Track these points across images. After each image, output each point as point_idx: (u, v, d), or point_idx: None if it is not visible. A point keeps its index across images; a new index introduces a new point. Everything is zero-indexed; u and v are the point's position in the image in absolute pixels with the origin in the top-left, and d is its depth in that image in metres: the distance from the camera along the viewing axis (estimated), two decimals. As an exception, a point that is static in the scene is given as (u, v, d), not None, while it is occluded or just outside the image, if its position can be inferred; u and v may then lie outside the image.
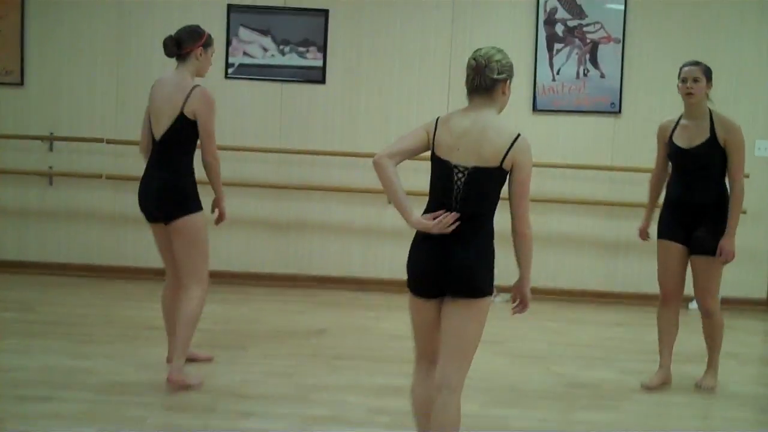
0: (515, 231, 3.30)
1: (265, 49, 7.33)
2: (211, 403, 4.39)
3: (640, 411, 4.68)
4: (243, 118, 7.33)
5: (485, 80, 3.31)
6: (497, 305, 6.89)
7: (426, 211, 3.29)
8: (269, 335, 5.80)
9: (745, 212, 7.07)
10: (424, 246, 3.28)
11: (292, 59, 7.33)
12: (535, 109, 7.28)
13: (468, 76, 3.34)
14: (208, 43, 4.72)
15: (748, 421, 4.63)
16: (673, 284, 5.08)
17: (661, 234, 5.06)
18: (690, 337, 5.60)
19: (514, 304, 3.45)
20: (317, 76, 7.30)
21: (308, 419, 4.22)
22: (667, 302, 5.13)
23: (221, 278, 7.29)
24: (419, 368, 3.47)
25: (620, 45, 7.21)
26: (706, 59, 7.08)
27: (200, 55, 4.67)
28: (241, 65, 7.31)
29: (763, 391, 5.28)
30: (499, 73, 3.33)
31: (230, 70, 7.31)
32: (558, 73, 7.24)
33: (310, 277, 7.37)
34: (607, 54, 7.23)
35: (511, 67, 3.38)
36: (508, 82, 3.38)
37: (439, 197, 3.27)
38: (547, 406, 4.66)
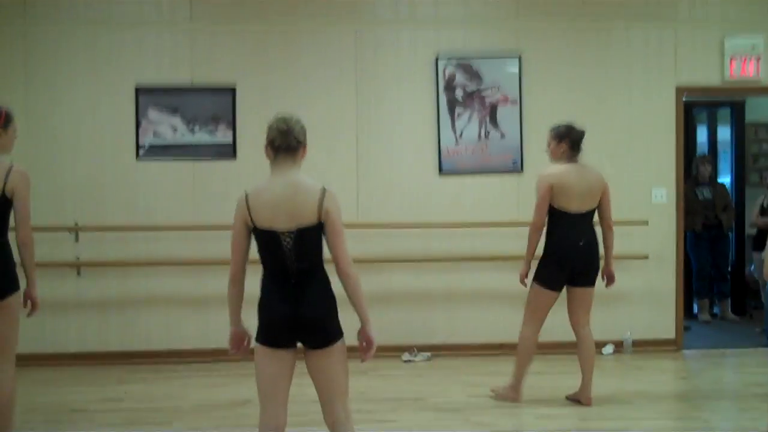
0: (341, 272, 3.55)
1: (175, 129, 7.45)
2: (138, 478, 4.42)
3: (558, 452, 4.87)
4: (156, 198, 7.41)
5: (292, 142, 3.62)
6: (418, 363, 7.12)
7: (263, 278, 3.63)
8: (193, 410, 5.82)
9: (647, 257, 7.49)
10: (273, 299, 3.56)
11: (202, 137, 7.46)
12: (441, 171, 7.54)
13: (274, 139, 3.63)
14: (7, 121, 4.55)
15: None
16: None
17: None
18: (606, 380, 5.83)
19: (362, 347, 3.62)
20: (228, 152, 7.45)
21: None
22: None
23: (142, 358, 7.31)
24: None
25: (517, 105, 7.54)
26: (599, 112, 7.57)
27: (2, 134, 4.52)
28: (152, 146, 7.41)
29: (671, 425, 5.51)
30: (302, 135, 3.69)
31: (141, 152, 7.40)
32: (461, 136, 7.54)
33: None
34: (506, 115, 7.55)
35: (305, 132, 3.74)
36: (305, 146, 3.74)
37: (273, 263, 3.56)
38: (469, 455, 4.81)
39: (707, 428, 5.34)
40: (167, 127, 7.44)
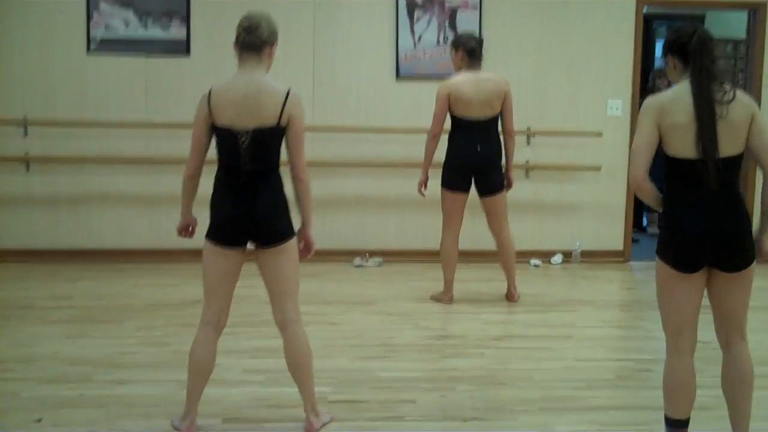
0: (295, 177, 3.60)
1: (127, 23, 7.26)
2: (86, 374, 4.44)
3: (502, 355, 4.98)
4: (107, 93, 7.25)
5: (256, 40, 3.60)
6: (370, 269, 7.18)
7: (217, 175, 3.62)
8: (144, 308, 5.84)
9: (599, 169, 7.56)
10: (225, 198, 3.56)
11: (155, 32, 7.28)
12: (398, 75, 7.47)
13: (239, 35, 3.64)
14: None
15: (600, 359, 4.96)
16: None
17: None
18: (553, 288, 5.94)
19: (301, 247, 3.70)
20: (181, 49, 7.29)
21: (183, 383, 4.30)
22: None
23: (93, 256, 7.28)
24: (205, 330, 3.74)
25: (477, 11, 7.45)
26: (559, 22, 7.51)
27: None
28: (103, 40, 7.23)
29: (616, 333, 5.66)
30: (268, 35, 3.62)
31: (92, 46, 7.22)
32: (419, 40, 7.45)
33: (184, 251, 7.35)
34: (466, 20, 7.46)
35: (276, 33, 3.67)
36: (274, 46, 3.67)
37: (227, 161, 3.56)
38: (415, 357, 4.91)
39: (648, 336, 5.49)
40: (119, 20, 7.24)
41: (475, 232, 6.88)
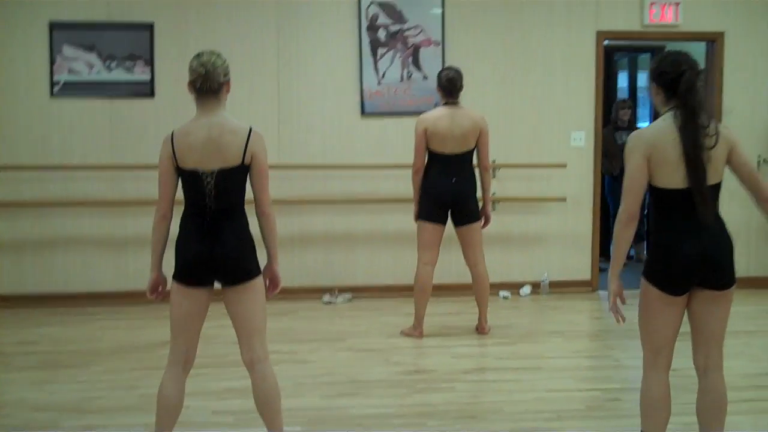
0: (260, 213, 3.62)
1: (91, 66, 7.26)
2: (53, 420, 4.39)
3: (473, 388, 4.99)
4: (72, 136, 7.23)
5: (213, 84, 3.61)
6: (339, 305, 7.17)
7: (183, 215, 3.64)
8: (112, 351, 5.78)
9: (565, 200, 7.62)
10: (191, 237, 3.57)
11: (119, 75, 7.29)
12: (363, 112, 7.51)
13: (195, 81, 3.61)
14: None
15: (570, 390, 4.98)
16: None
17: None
18: (523, 319, 5.97)
19: (267, 284, 3.72)
20: (146, 90, 7.30)
21: (152, 426, 4.25)
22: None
23: (59, 300, 7.21)
24: (173, 370, 3.70)
25: (440, 47, 7.53)
26: (522, 56, 7.60)
27: None
28: (66, 83, 7.22)
29: (585, 363, 5.68)
30: (224, 75, 3.65)
31: (56, 89, 7.20)
32: (383, 77, 7.51)
33: (152, 292, 7.35)
34: (429, 56, 7.54)
35: (228, 68, 3.71)
36: (229, 82, 3.71)
37: (193, 201, 3.57)
38: (386, 393, 4.89)
39: (617, 366, 5.52)
40: (83, 63, 7.24)
41: (444, 266, 6.90)
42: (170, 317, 3.67)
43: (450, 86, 5.97)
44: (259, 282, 3.64)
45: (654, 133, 3.41)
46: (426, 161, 6.00)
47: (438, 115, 5.96)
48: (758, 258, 7.89)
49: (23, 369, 5.36)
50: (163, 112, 7.25)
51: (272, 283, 3.72)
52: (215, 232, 3.53)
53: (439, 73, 6.09)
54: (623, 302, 3.61)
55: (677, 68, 3.41)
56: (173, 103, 7.27)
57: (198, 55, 3.65)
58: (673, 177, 3.35)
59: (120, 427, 4.29)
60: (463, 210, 5.99)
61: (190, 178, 3.55)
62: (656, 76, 3.48)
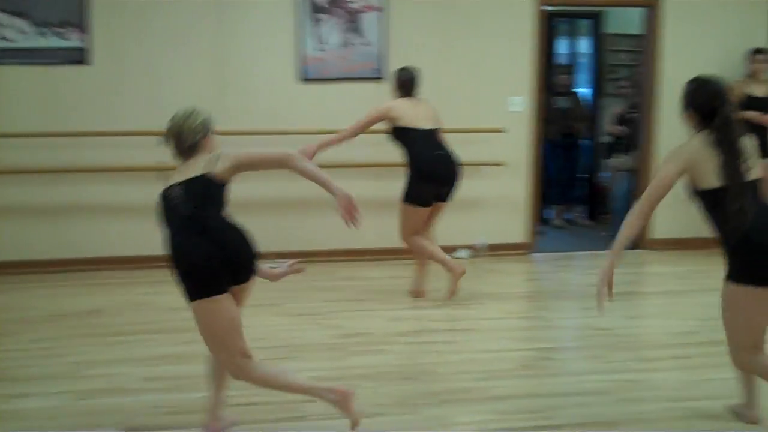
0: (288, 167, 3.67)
1: (23, 32, 7.09)
2: (-20, 389, 4.33)
3: (407, 351, 5.03)
4: (7, 104, 7.07)
5: (185, 145, 3.59)
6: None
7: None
8: (42, 320, 5.69)
9: (503, 164, 7.67)
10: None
11: (53, 41, 7.12)
12: (303, 78, 7.45)
13: (168, 143, 3.61)
14: None
15: (502, 350, 5.03)
16: None
17: None
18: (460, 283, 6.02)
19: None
20: (80, 57, 7.14)
21: (82, 393, 4.25)
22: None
23: (-7, 269, 7.09)
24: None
25: (381, 13, 7.47)
26: (461, 22, 7.58)
27: None
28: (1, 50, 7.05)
29: (518, 324, 5.75)
30: (198, 134, 3.59)
31: (-10, 55, 7.04)
32: (323, 43, 7.44)
33: (84, 260, 7.26)
34: (370, 23, 7.48)
35: (204, 123, 3.62)
36: (208, 135, 3.63)
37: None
38: (322, 356, 4.90)
39: (549, 326, 5.60)
40: (15, 30, 7.06)
41: (383, 230, 6.92)
42: (229, 328, 3.51)
43: (411, 86, 6.07)
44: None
45: (692, 151, 3.60)
46: (405, 146, 5.98)
47: (401, 100, 6.03)
48: (688, 219, 8.01)
49: (-48, 338, 5.28)
50: (98, 80, 7.13)
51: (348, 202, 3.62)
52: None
53: (397, 74, 6.13)
54: (610, 287, 3.72)
55: (712, 102, 3.63)
56: (110, 71, 7.16)
57: (171, 118, 3.61)
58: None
59: (50, 395, 4.24)
60: (452, 189, 6.03)
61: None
62: (691, 104, 3.72)
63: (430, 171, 5.91)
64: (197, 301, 3.42)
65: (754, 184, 3.56)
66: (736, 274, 3.54)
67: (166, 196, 3.52)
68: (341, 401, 3.65)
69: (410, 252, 6.33)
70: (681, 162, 3.60)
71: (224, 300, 3.45)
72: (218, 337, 3.49)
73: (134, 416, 3.99)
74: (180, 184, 3.50)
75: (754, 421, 3.80)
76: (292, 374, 3.75)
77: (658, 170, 3.71)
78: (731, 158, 3.49)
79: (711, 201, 3.56)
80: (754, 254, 3.48)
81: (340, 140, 6.04)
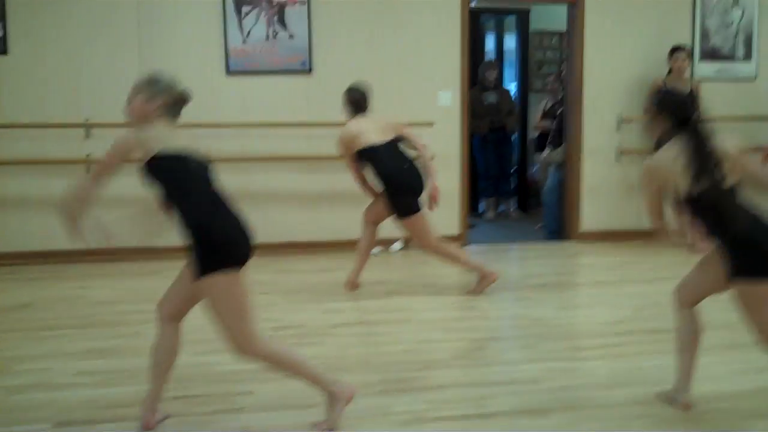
0: None
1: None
2: None
3: (342, 342, 5.01)
4: None
5: (180, 107, 3.68)
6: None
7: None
8: (-32, 316, 5.56)
9: (432, 158, 7.70)
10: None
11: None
12: (228, 71, 7.39)
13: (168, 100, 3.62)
14: None
15: (438, 340, 5.06)
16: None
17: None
18: (393, 275, 6.03)
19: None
20: (-2, 47, 6.99)
21: (13, 388, 4.15)
22: None
23: None
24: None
25: (306, 6, 7.45)
26: (389, 17, 7.61)
27: None
28: None
29: (453, 314, 5.78)
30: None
31: None
32: (248, 36, 7.39)
33: (11, 254, 7.09)
34: (294, 15, 7.46)
35: (139, 86, 3.57)
36: (135, 99, 3.56)
37: None
38: (255, 349, 4.85)
39: (483, 317, 5.65)
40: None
41: (318, 223, 6.90)
42: (246, 307, 3.49)
43: (363, 104, 6.07)
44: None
45: (665, 165, 3.56)
46: (370, 167, 5.98)
47: (352, 121, 6.02)
48: (617, 212, 8.19)
49: None
50: (17, 69, 6.97)
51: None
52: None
53: (348, 94, 6.09)
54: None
55: (687, 107, 3.63)
56: (27, 60, 7.00)
57: (160, 77, 3.67)
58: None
59: (-25, 392, 4.14)
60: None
61: None
62: (665, 109, 3.66)
63: (404, 184, 5.96)
64: (219, 274, 3.38)
65: (733, 186, 3.57)
66: (754, 268, 3.47)
67: (192, 159, 3.47)
68: (340, 397, 3.68)
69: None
70: (656, 180, 3.61)
71: (241, 276, 3.45)
72: (236, 312, 3.45)
73: (68, 411, 3.90)
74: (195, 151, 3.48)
75: (687, 407, 3.88)
76: (302, 357, 3.72)
77: (641, 188, 3.71)
78: (707, 163, 3.50)
79: (695, 207, 3.55)
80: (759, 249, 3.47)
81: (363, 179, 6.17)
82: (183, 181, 3.43)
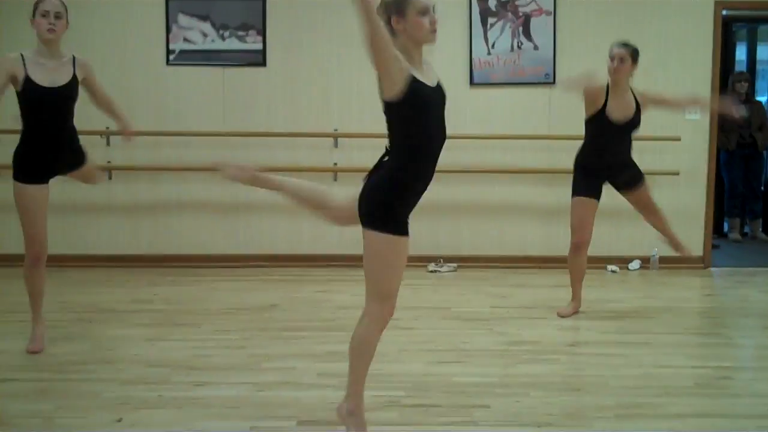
0: None
1: (205, 35, 7.42)
2: (164, 375, 4.52)
3: (577, 361, 4.93)
4: (186, 104, 7.43)
5: None
6: (444, 274, 7.18)
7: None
8: (221, 312, 5.93)
9: (678, 174, 7.43)
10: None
11: (232, 43, 7.43)
12: (472, 83, 7.47)
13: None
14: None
15: (679, 366, 4.86)
16: (588, 233, 5.85)
17: (580, 192, 5.81)
18: (630, 294, 5.86)
19: None
20: (258, 59, 7.42)
21: (259, 385, 4.38)
22: (580, 249, 5.84)
23: (172, 261, 7.45)
24: None
25: (551, 17, 7.41)
26: (634, 27, 7.40)
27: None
28: (182, 51, 7.40)
29: (695, 340, 5.53)
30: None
31: (171, 57, 7.40)
32: (493, 47, 7.44)
33: (260, 256, 7.52)
34: (540, 26, 7.44)
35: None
36: (393, 17, 3.33)
37: None
38: (489, 362, 4.87)
39: (728, 344, 5.37)
40: (197, 32, 7.41)
41: (548, 236, 6.84)
42: (398, 274, 3.66)
43: None
44: (369, 237, 3.59)
45: None
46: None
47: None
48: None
49: (138, 326, 5.55)
50: (274, 81, 7.38)
51: None
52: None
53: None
54: None
55: None
56: (284, 72, 7.39)
57: None
58: None
59: (228, 385, 4.40)
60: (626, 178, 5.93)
61: None
62: None
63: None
64: (390, 234, 3.59)
65: None
66: None
67: (436, 95, 3.52)
68: None
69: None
70: None
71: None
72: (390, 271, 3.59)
73: (310, 411, 4.07)
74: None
75: None
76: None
77: None
78: None
79: None
80: None
81: None
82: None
